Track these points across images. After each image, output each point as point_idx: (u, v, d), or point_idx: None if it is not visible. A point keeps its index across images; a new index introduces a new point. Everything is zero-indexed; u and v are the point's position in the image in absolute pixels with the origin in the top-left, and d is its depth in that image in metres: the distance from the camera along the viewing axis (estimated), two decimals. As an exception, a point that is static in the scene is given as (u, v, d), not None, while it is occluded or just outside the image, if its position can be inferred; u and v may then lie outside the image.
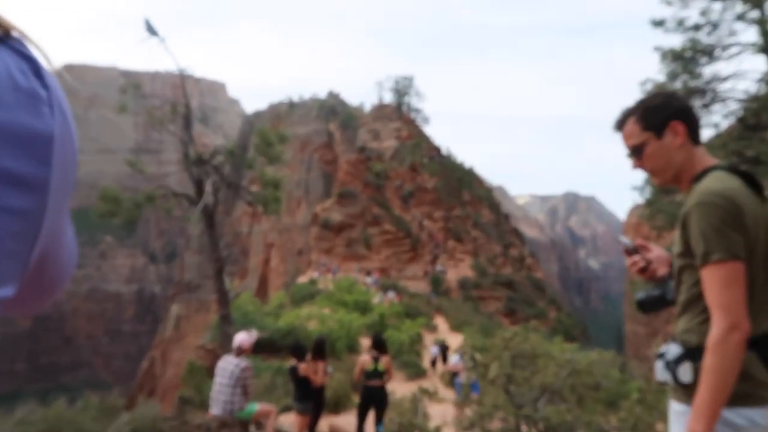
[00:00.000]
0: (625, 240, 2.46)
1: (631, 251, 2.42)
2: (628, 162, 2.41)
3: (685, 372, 2.11)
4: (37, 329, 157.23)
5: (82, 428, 7.04)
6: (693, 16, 13.24)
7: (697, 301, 2.11)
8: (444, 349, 23.68)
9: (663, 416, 6.18)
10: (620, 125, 2.35)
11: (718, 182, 2.11)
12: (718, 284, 1.99)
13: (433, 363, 23.68)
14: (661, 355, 2.21)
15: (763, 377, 2.03)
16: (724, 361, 1.95)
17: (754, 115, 13.21)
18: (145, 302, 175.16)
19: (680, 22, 13.25)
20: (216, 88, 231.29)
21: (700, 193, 2.08)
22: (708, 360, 1.98)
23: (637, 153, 2.30)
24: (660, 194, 14.66)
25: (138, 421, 7.14)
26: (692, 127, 2.24)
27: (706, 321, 2.07)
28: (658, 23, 13.45)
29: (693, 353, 2.10)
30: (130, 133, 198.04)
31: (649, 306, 2.40)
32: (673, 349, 2.16)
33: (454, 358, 18.16)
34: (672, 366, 2.14)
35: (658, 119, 2.23)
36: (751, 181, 2.15)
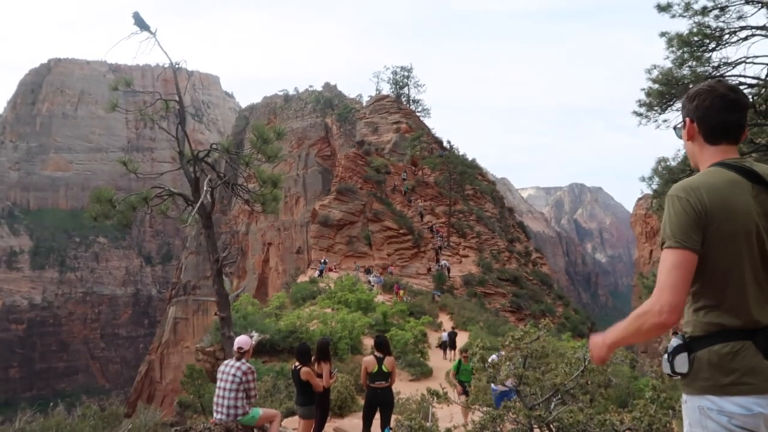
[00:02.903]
0: None
1: None
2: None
3: (681, 363, 2.23)
4: (32, 334, 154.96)
5: (84, 438, 6.77)
6: (700, -1, 12.80)
7: (690, 293, 2.24)
8: (453, 336, 23.64)
9: (679, 414, 5.92)
10: None
11: (698, 176, 2.28)
12: (662, 268, 2.18)
13: (442, 346, 23.69)
14: (666, 350, 2.34)
15: (752, 365, 2.11)
16: (634, 324, 2.21)
17: (765, 100, 12.88)
18: (141, 305, 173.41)
19: (687, 6, 12.81)
20: (209, 82, 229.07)
21: (671, 187, 2.27)
22: (635, 313, 2.22)
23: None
24: (668, 184, 14.31)
25: (139, 429, 6.87)
26: (705, 126, 2.36)
27: (698, 310, 2.23)
28: (664, 8, 12.98)
29: (689, 344, 2.23)
30: (121, 130, 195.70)
31: None
32: (673, 342, 2.29)
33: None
34: (670, 357, 2.26)
35: (683, 111, 2.47)
36: (752, 175, 2.24)
